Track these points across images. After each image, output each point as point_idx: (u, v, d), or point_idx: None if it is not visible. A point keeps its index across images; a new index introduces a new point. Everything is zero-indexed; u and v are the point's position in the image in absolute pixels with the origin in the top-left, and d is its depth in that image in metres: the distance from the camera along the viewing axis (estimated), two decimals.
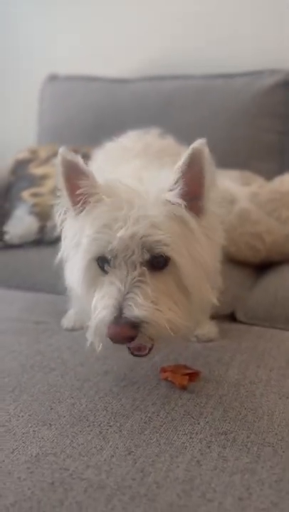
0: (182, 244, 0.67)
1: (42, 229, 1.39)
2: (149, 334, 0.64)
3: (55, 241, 1.35)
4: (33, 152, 1.53)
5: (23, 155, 1.54)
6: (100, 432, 0.63)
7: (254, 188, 1.25)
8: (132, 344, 0.65)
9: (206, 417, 0.66)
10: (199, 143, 0.67)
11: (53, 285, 1.17)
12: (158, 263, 0.67)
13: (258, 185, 1.27)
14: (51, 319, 1.00)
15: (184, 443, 0.61)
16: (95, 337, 0.67)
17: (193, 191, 0.69)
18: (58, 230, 0.78)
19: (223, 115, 1.61)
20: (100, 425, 0.64)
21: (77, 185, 0.70)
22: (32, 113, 1.95)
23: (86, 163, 1.06)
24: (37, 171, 1.47)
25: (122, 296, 0.64)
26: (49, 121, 1.88)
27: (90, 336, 0.68)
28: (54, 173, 1.49)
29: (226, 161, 1.57)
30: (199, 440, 0.61)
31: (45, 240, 1.40)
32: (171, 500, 0.51)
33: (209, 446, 0.60)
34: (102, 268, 0.69)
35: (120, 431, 0.63)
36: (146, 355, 0.68)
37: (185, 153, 0.68)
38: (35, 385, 0.74)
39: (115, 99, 1.78)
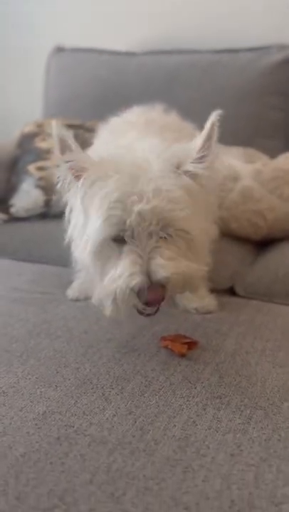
0: (193, 214, 0.72)
1: (48, 202, 1.42)
2: (175, 289, 0.70)
3: (61, 214, 1.38)
4: (39, 126, 1.55)
5: (29, 128, 1.55)
6: (103, 394, 0.67)
7: (257, 166, 1.26)
8: (162, 304, 0.70)
9: (202, 382, 0.70)
10: (215, 116, 0.73)
11: (59, 257, 1.21)
12: (171, 231, 0.71)
13: (261, 163, 1.28)
14: (57, 290, 1.04)
15: (181, 405, 0.65)
16: (120, 304, 0.70)
17: None
18: (64, 200, 0.81)
19: (228, 91, 1.60)
20: (102, 388, 0.68)
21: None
22: (39, 85, 1.94)
23: (91, 138, 1.08)
24: (43, 144, 1.48)
25: (145, 262, 0.68)
26: (55, 93, 1.88)
27: (109, 304, 0.71)
28: None
29: (231, 137, 1.57)
30: (196, 403, 0.65)
31: (51, 213, 1.43)
32: (168, 455, 0.56)
33: (205, 409, 0.64)
34: (113, 240, 0.72)
35: (122, 393, 0.67)
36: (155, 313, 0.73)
37: (206, 128, 0.73)
38: (41, 350, 0.78)
39: (121, 73, 1.77)
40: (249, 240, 1.26)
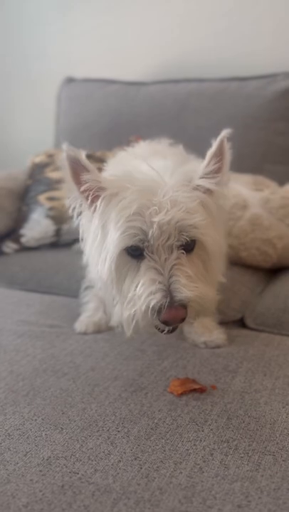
0: (209, 227, 0.73)
1: (58, 232, 1.43)
2: (195, 311, 0.70)
3: (71, 243, 1.40)
4: (50, 156, 1.57)
5: (40, 158, 1.58)
6: (108, 437, 0.66)
7: (266, 194, 1.26)
8: (181, 323, 0.70)
9: (210, 425, 0.68)
10: (225, 133, 0.76)
11: (69, 288, 1.22)
12: (188, 246, 0.71)
13: (270, 191, 1.28)
14: (65, 323, 1.04)
15: (187, 449, 0.63)
16: (140, 325, 0.69)
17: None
18: (76, 223, 0.81)
19: (236, 118, 1.61)
20: (108, 430, 0.67)
21: (82, 181, 0.74)
22: (50, 116, 1.98)
23: (100, 168, 1.09)
24: (53, 174, 1.50)
25: (166, 280, 0.68)
26: (66, 123, 1.91)
27: (130, 325, 0.71)
28: None
29: (241, 164, 1.58)
30: (203, 447, 0.64)
31: (61, 242, 1.44)
32: (173, 506, 0.54)
33: (212, 454, 0.63)
34: (131, 255, 0.72)
35: (128, 436, 0.66)
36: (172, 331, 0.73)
37: (215, 143, 0.75)
38: (48, 389, 0.78)
39: (131, 102, 1.80)
40: (259, 268, 1.25)
